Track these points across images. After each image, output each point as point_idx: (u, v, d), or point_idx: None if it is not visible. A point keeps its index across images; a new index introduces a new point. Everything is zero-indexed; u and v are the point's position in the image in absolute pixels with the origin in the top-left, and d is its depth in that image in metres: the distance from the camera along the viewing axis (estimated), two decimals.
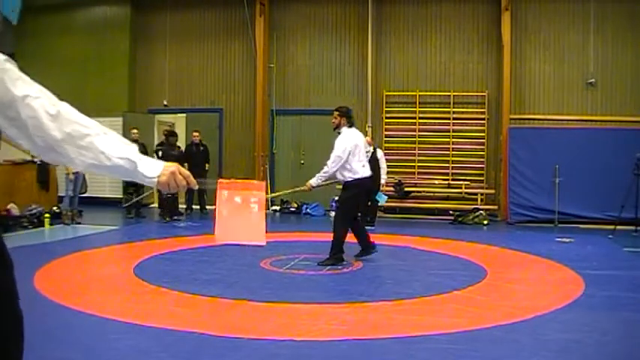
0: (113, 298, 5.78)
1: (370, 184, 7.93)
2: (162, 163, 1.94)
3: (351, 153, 7.32)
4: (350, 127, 7.55)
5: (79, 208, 11.75)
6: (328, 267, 7.22)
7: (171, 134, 12.66)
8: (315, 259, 7.74)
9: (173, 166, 1.94)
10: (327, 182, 7.60)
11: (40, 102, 1.81)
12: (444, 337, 4.56)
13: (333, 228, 7.46)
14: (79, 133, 1.87)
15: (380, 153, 11.66)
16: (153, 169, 1.92)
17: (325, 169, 7.40)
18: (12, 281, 1.89)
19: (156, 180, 1.91)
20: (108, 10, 15.63)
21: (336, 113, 7.61)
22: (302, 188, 7.67)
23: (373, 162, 11.50)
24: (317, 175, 7.46)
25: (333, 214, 13.68)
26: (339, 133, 7.52)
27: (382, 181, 11.46)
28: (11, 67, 1.80)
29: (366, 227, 11.26)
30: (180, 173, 1.94)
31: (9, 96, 1.77)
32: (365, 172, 7.48)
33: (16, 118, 1.80)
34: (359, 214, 7.89)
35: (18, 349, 1.91)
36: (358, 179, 7.37)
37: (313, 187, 7.48)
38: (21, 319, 1.91)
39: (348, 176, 7.35)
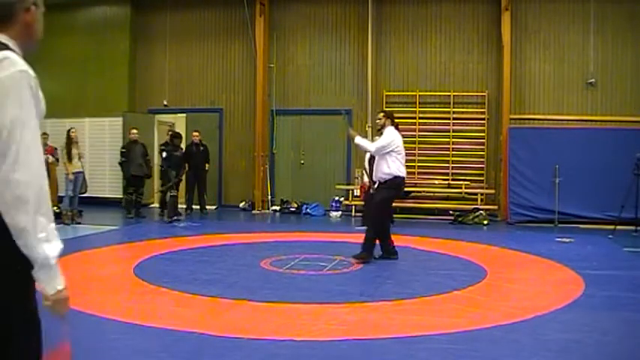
0: (113, 298, 5.78)
1: (404, 184, 8.14)
2: (62, 283, 1.87)
3: (394, 150, 7.57)
4: (395, 128, 7.80)
5: (79, 208, 11.75)
6: (361, 261, 7.45)
7: (176, 136, 12.66)
8: (315, 259, 7.75)
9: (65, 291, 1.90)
10: (365, 174, 8.21)
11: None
12: (444, 337, 4.56)
13: (367, 224, 7.78)
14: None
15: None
16: (61, 282, 1.87)
17: (370, 144, 7.74)
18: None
19: (55, 292, 1.86)
20: (108, 10, 15.63)
21: (381, 114, 7.93)
22: (351, 131, 8.10)
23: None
24: (364, 139, 7.81)
25: (333, 214, 13.75)
26: (381, 134, 7.79)
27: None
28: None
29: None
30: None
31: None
32: (403, 171, 7.70)
33: None
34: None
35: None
36: (396, 177, 7.58)
37: (355, 141, 7.78)
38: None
39: (387, 172, 7.56)
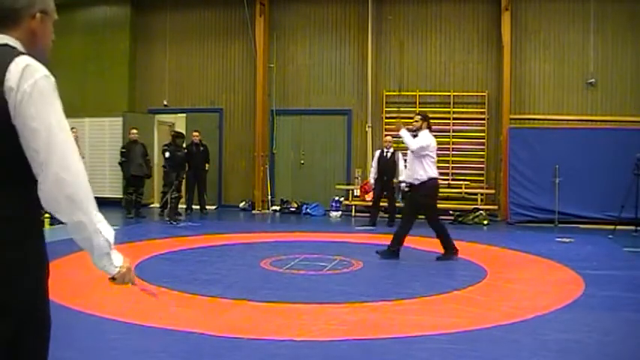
0: (113, 298, 5.78)
1: (439, 185, 8.35)
2: (123, 258, 2.04)
3: (429, 153, 7.78)
4: (430, 130, 7.97)
5: None
6: (384, 257, 7.78)
7: (178, 135, 12.58)
8: (315, 259, 7.75)
9: (128, 262, 2.06)
10: (401, 180, 8.39)
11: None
12: (444, 337, 4.55)
13: (400, 225, 8.04)
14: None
15: (399, 154, 11.68)
16: (119, 260, 2.02)
17: (412, 141, 7.81)
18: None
19: (117, 270, 2.01)
20: (108, 10, 15.64)
21: (417, 117, 8.06)
22: (397, 122, 8.33)
23: (392, 163, 11.55)
24: (409, 134, 7.89)
25: (333, 214, 13.75)
26: (415, 136, 7.94)
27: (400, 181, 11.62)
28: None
29: (368, 227, 11.34)
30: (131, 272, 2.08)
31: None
32: (436, 173, 7.94)
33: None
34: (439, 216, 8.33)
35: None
36: (431, 179, 7.78)
37: (401, 132, 7.96)
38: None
39: (422, 174, 7.74)
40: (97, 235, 1.94)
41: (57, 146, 1.83)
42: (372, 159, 12.24)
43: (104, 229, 1.96)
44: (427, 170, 7.73)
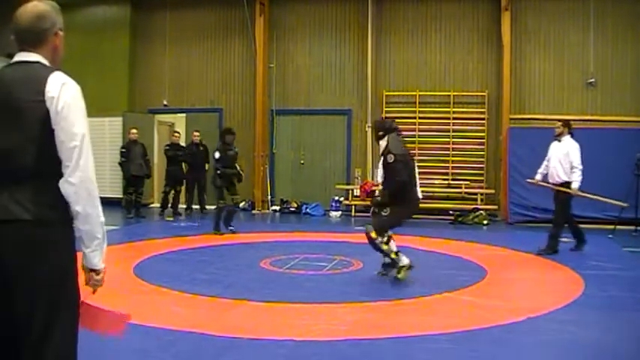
0: (113, 298, 5.77)
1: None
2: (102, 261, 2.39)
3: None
4: (571, 136, 8.48)
5: None
6: (544, 254, 8.19)
7: (229, 132, 10.77)
8: (315, 259, 7.75)
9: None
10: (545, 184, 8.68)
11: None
12: (443, 337, 4.55)
13: (554, 222, 8.54)
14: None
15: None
16: (101, 261, 2.39)
17: (578, 172, 8.35)
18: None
19: (104, 267, 2.40)
20: (107, 9, 15.63)
21: (559, 124, 8.58)
22: (575, 191, 8.43)
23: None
24: (576, 180, 8.34)
25: (332, 214, 13.74)
26: (559, 141, 8.48)
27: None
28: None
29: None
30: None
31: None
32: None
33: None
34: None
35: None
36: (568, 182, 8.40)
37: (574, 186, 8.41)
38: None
39: (566, 177, 8.36)
40: (100, 228, 2.30)
41: (87, 149, 2.22)
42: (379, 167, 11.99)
43: (104, 224, 2.33)
44: (568, 173, 8.34)
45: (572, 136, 8.47)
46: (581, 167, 8.34)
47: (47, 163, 2.19)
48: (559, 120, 8.83)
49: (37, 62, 2.27)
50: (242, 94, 14.87)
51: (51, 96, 2.16)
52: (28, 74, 2.22)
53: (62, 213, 2.24)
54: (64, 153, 2.18)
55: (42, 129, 2.17)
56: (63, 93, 2.19)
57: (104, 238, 2.32)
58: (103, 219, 2.30)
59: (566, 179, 8.37)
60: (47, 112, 2.16)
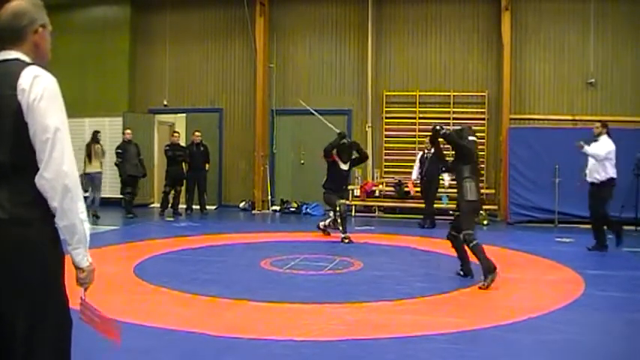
0: (113, 298, 5.78)
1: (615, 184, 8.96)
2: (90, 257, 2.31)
3: (608, 157, 8.61)
4: (609, 136, 8.77)
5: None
6: (594, 250, 8.60)
7: (343, 136, 10.37)
8: (315, 259, 7.75)
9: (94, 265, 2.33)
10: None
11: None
12: (443, 337, 4.55)
13: (595, 221, 8.85)
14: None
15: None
16: (89, 257, 2.29)
17: (594, 150, 8.64)
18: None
19: (89, 264, 2.29)
20: (108, 9, 15.62)
21: (599, 124, 8.95)
22: (577, 143, 8.73)
23: (432, 163, 11.02)
24: (587, 146, 8.67)
25: (333, 214, 13.69)
26: (596, 141, 8.77)
27: (445, 183, 11.50)
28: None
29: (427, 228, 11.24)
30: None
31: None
32: (614, 173, 8.73)
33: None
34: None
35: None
36: (611, 178, 8.63)
37: (584, 150, 8.68)
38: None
39: (603, 175, 8.59)
40: (80, 224, 2.21)
41: (61, 142, 2.15)
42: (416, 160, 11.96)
43: (84, 220, 2.24)
44: (606, 171, 8.57)
45: (609, 136, 8.74)
46: (600, 157, 8.55)
47: (24, 159, 2.15)
48: (598, 121, 9.16)
49: (16, 59, 2.24)
50: (242, 94, 14.88)
51: (22, 89, 2.13)
52: (5, 71, 2.20)
53: (43, 211, 2.17)
54: (37, 146, 2.14)
55: (15, 123, 2.13)
56: (35, 86, 2.14)
57: (86, 234, 2.24)
58: (83, 215, 2.22)
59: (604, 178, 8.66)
60: (19, 105, 2.13)
